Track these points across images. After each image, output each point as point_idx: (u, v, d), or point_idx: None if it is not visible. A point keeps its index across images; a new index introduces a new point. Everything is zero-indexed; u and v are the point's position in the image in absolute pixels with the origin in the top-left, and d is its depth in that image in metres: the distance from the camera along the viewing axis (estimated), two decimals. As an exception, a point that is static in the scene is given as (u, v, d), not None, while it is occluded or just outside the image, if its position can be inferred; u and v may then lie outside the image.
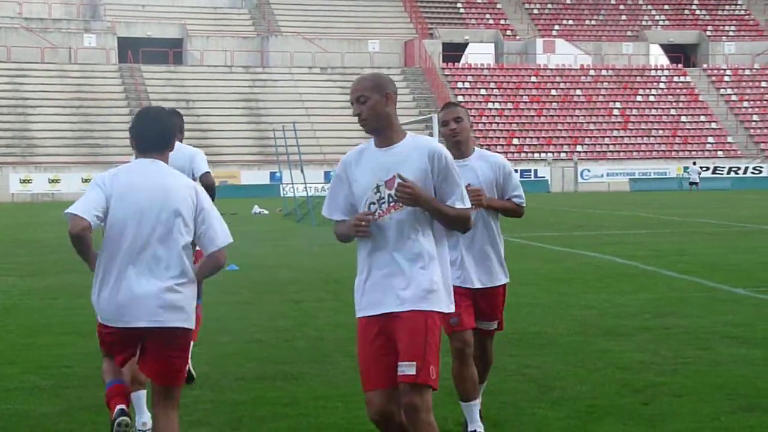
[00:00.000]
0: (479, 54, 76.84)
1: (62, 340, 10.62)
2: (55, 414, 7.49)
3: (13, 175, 60.39)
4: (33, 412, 7.55)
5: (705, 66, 78.70)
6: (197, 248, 6.07)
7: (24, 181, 60.93)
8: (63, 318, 12.22)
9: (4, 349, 10.13)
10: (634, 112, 73.35)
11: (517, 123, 71.29)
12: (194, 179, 8.33)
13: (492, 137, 69.77)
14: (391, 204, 5.36)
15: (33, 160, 62.98)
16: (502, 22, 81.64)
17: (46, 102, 68.83)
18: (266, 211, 37.74)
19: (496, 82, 74.36)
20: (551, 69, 75.12)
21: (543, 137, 70.46)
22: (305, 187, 33.08)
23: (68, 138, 66.58)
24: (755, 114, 74.73)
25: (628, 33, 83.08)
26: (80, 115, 68.64)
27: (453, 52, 76.92)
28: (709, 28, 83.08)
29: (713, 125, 73.29)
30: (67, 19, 77.36)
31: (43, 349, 10.11)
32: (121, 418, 6.21)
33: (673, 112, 73.67)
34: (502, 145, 68.90)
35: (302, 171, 33.74)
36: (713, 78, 77.18)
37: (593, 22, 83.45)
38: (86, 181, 62.27)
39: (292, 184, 35.85)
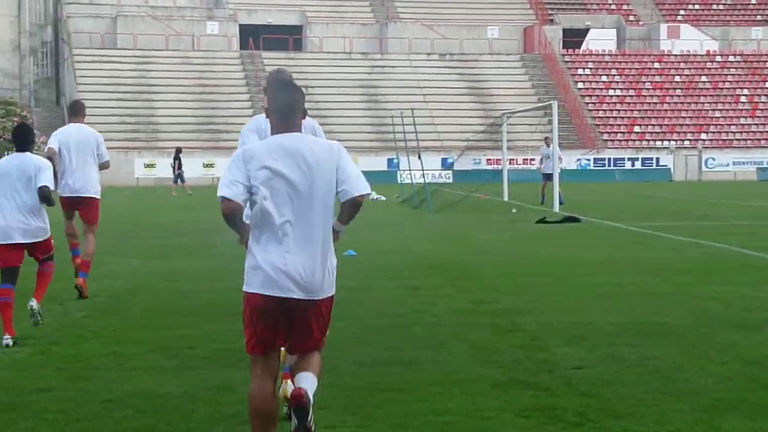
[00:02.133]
0: (600, 40, 75.52)
1: (184, 322, 10.80)
2: (179, 394, 7.62)
3: (138, 160, 61.81)
4: (157, 391, 7.70)
5: (836, 51, 76.12)
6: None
7: (148, 166, 62.34)
8: (184, 300, 12.45)
9: (129, 329, 10.36)
10: (763, 99, 71.32)
11: (638, 110, 70.01)
12: None
13: (613, 125, 68.72)
14: None
15: (157, 146, 64.37)
16: (624, 7, 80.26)
17: (169, 88, 70.26)
18: (383, 197, 37.87)
19: (617, 69, 73.12)
20: (675, 55, 73.54)
21: (666, 125, 69.03)
22: (422, 174, 33.06)
23: (191, 124, 67.88)
24: None
25: (758, 17, 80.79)
26: (202, 101, 69.91)
27: (573, 38, 75.83)
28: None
29: None
30: (191, 7, 78.75)
31: (167, 330, 10.31)
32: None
33: (803, 99, 71.54)
34: (623, 132, 67.84)
35: (420, 157, 33.74)
36: None
37: (720, 7, 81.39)
38: (207, 166, 63.53)
39: (410, 170, 35.88)
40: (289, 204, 5.81)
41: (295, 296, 5.78)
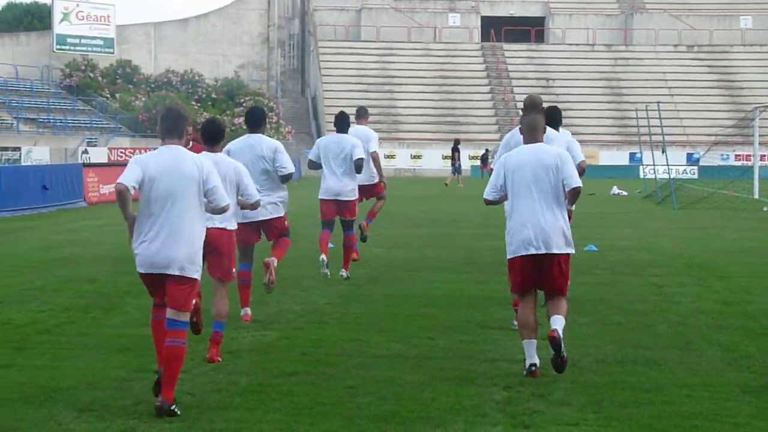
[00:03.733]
0: None
1: (424, 312, 10.87)
2: (419, 383, 7.65)
3: (378, 151, 62.91)
4: (398, 379, 7.75)
5: None
6: None
7: (388, 157, 63.38)
8: (424, 290, 12.52)
9: (370, 318, 10.51)
10: None
11: None
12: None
13: None
14: None
15: (398, 137, 65.38)
16: None
17: (411, 80, 71.20)
18: (625, 192, 37.05)
19: None
20: None
21: None
22: (667, 169, 32.09)
23: (431, 115, 68.55)
24: None
25: None
26: (443, 93, 70.47)
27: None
28: None
29: None
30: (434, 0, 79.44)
31: (407, 319, 10.39)
32: None
33: None
34: None
35: (664, 152, 32.79)
36: None
37: None
38: (446, 158, 63.93)
39: (653, 165, 34.95)
40: (528, 190, 8.26)
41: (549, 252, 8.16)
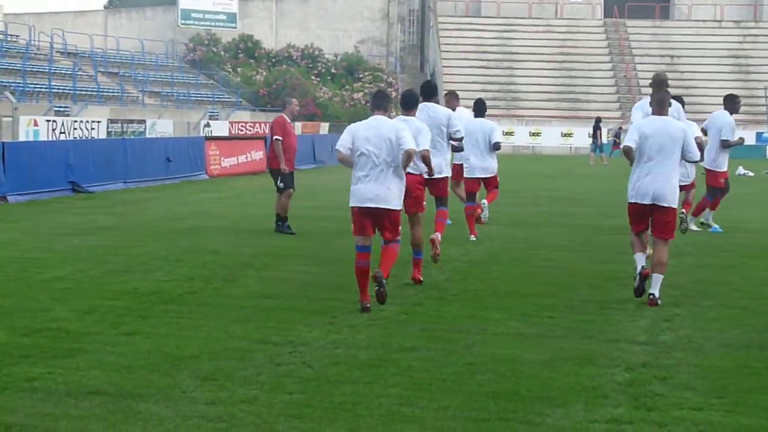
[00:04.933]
0: None
1: (544, 290, 10.75)
2: (539, 362, 7.56)
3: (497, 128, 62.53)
4: (518, 357, 7.68)
5: None
6: None
7: (506, 134, 62.92)
8: (543, 269, 12.41)
9: (489, 295, 10.45)
10: None
11: None
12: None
13: None
14: None
15: (516, 114, 64.85)
16: None
17: (531, 57, 70.46)
18: (752, 173, 36.05)
19: None
20: None
21: None
22: (796, 149, 31.06)
23: (551, 92, 67.78)
24: None
25: None
26: (563, 70, 69.57)
27: None
28: None
29: None
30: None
31: (526, 297, 10.30)
32: None
33: None
34: None
35: (793, 132, 31.78)
36: None
37: None
38: (566, 135, 63.18)
39: (781, 145, 33.91)
40: (654, 153, 10.32)
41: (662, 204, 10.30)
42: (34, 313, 9.03)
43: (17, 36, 52.01)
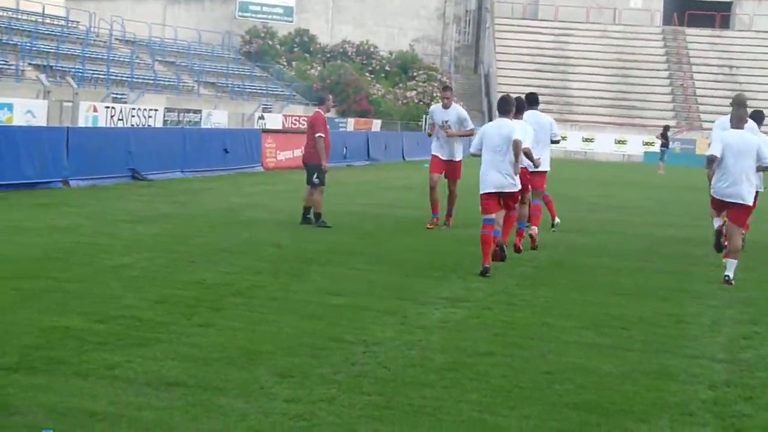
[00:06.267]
0: None
1: (612, 300, 10.62)
2: (618, 374, 7.43)
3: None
4: (596, 369, 7.55)
5: None
6: None
7: (561, 138, 62.54)
8: (609, 278, 12.26)
9: (559, 302, 10.32)
10: None
11: None
12: None
13: None
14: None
15: (570, 118, 64.42)
16: None
17: (586, 62, 70.01)
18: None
19: None
20: None
21: None
22: None
23: (605, 98, 67.30)
24: None
25: None
26: (619, 77, 69.05)
27: None
28: None
29: None
30: (615, -20, 77.71)
31: (597, 307, 10.15)
32: None
33: None
34: None
35: None
36: None
37: None
38: (620, 142, 62.69)
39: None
40: (732, 160, 12.45)
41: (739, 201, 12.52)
42: (107, 300, 9.04)
43: (78, 22, 52.45)
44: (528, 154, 12.61)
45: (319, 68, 63.79)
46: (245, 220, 16.40)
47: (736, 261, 12.27)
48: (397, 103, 63.89)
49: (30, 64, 40.33)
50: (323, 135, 16.17)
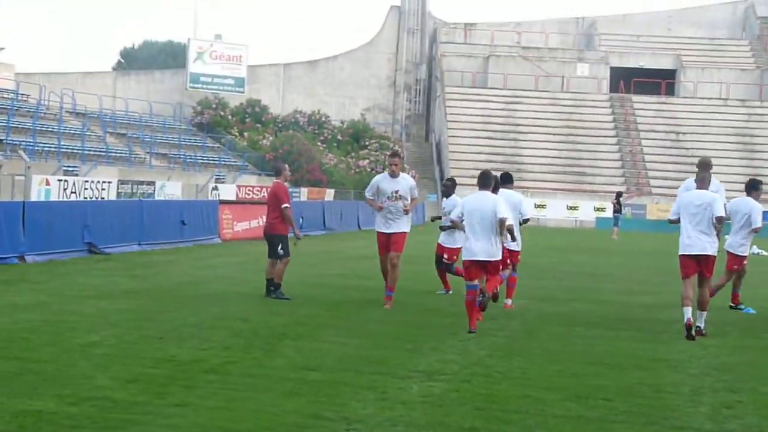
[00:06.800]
0: None
1: (590, 371, 10.48)
2: (609, 449, 7.30)
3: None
4: (586, 443, 7.42)
5: None
6: None
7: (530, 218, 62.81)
8: (584, 347, 12.14)
9: (537, 374, 10.16)
10: None
11: None
12: None
13: None
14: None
15: (521, 185, 64.82)
16: None
17: (537, 129, 70.77)
18: (765, 252, 35.94)
19: None
20: None
21: None
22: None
23: (556, 165, 67.95)
24: None
25: None
26: (569, 143, 69.84)
27: None
28: None
29: None
30: (563, 49, 79.18)
31: (574, 377, 10.02)
32: None
33: None
34: None
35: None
36: None
37: None
38: (571, 208, 63.19)
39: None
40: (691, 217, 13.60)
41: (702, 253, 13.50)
42: (77, 381, 8.76)
43: (28, 95, 52.13)
44: (511, 232, 13.37)
45: (271, 138, 63.85)
46: (210, 293, 16.15)
47: (706, 312, 13.42)
48: (350, 172, 64.01)
49: (-20, 137, 39.90)
50: (288, 206, 16.06)
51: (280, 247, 16.01)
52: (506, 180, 16.26)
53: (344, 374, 9.68)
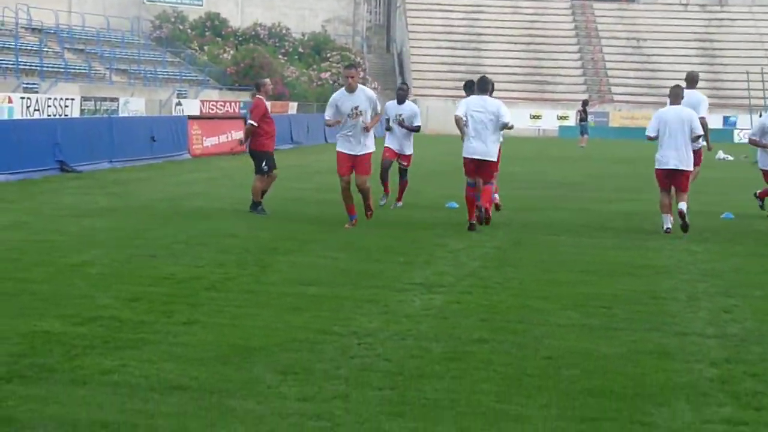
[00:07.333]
0: None
1: (583, 279, 10.60)
2: (618, 356, 7.36)
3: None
4: (595, 351, 7.47)
5: None
6: None
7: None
8: (573, 256, 12.24)
9: (532, 284, 10.24)
10: None
11: None
12: None
13: None
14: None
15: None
16: None
17: (498, 38, 70.39)
18: (731, 157, 36.28)
19: None
20: None
21: None
22: None
23: (518, 74, 67.78)
24: None
25: None
26: (530, 52, 69.60)
27: None
28: None
29: None
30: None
31: (569, 286, 10.11)
32: None
33: None
34: None
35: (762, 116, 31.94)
36: None
37: None
38: (534, 117, 63.22)
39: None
40: (672, 133, 14.46)
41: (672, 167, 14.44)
42: (79, 301, 8.71)
43: (-18, 10, 50.95)
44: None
45: (231, 52, 63.04)
46: (191, 210, 16.07)
47: (686, 203, 14.35)
48: (312, 84, 63.49)
49: (-63, 55, 39.06)
50: (255, 123, 15.84)
51: (264, 163, 15.89)
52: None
53: (342, 288, 9.69)
